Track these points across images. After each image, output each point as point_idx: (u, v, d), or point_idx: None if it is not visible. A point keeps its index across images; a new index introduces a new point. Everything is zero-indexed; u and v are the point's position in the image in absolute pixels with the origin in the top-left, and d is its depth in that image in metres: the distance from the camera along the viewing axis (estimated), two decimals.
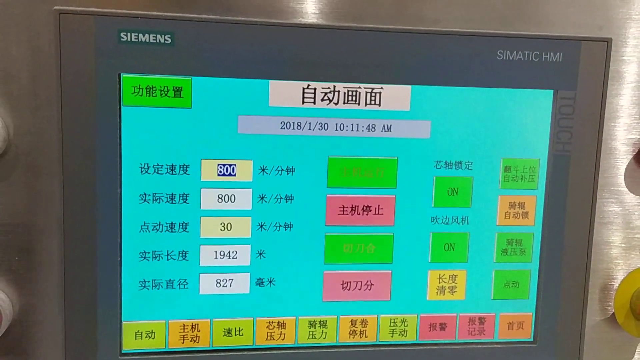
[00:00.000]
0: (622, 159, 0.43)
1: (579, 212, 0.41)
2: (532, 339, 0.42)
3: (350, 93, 0.39)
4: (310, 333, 0.40)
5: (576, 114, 0.41)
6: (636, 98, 0.42)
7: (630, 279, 0.43)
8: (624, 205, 0.43)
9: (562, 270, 0.42)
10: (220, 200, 0.38)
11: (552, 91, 0.40)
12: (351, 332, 0.41)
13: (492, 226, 0.41)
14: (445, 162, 0.40)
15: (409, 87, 0.39)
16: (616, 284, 0.44)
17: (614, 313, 0.44)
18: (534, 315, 0.42)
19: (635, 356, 0.45)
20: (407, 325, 0.41)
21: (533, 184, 0.41)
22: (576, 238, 0.41)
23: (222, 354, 0.39)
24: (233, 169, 0.38)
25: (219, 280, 0.39)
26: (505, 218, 0.41)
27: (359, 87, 0.39)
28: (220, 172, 0.38)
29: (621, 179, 0.43)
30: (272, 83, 0.38)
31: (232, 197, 0.38)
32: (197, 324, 0.39)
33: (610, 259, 0.44)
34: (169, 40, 0.37)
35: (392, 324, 0.41)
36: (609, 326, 0.44)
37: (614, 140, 0.42)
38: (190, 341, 0.39)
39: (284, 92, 0.38)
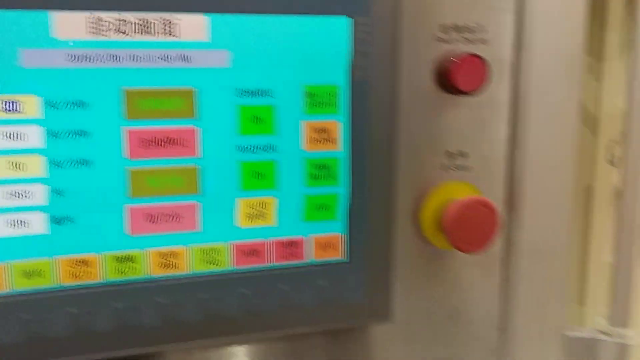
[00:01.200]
0: (421, 82, 0.45)
1: (382, 135, 0.43)
2: (346, 259, 0.44)
3: (142, 23, 0.38)
4: (118, 269, 0.40)
5: (374, 39, 0.42)
6: (434, 21, 0.44)
7: (436, 194, 0.46)
8: (426, 126, 0.45)
9: (369, 192, 0.43)
10: (8, 138, 0.37)
11: (348, 18, 0.41)
12: (161, 264, 0.41)
13: (299, 152, 0.42)
14: (247, 90, 0.40)
15: (206, 16, 0.39)
16: (424, 200, 0.46)
17: (423, 228, 0.46)
18: (346, 236, 0.44)
19: (443, 267, 0.48)
20: (219, 254, 0.42)
21: (334, 109, 0.42)
22: (381, 160, 0.43)
23: (24, 298, 0.38)
24: (18, 105, 0.37)
25: (12, 221, 0.38)
26: (311, 143, 0.42)
27: (152, 17, 0.38)
28: (5, 108, 0.36)
29: (422, 102, 0.45)
30: (54, 14, 0.36)
31: (21, 134, 0.37)
32: None
33: (418, 177, 0.46)
34: None
35: (203, 254, 0.41)
36: (419, 240, 0.47)
37: (413, 64, 0.44)
38: None
39: (68, 23, 0.36)
